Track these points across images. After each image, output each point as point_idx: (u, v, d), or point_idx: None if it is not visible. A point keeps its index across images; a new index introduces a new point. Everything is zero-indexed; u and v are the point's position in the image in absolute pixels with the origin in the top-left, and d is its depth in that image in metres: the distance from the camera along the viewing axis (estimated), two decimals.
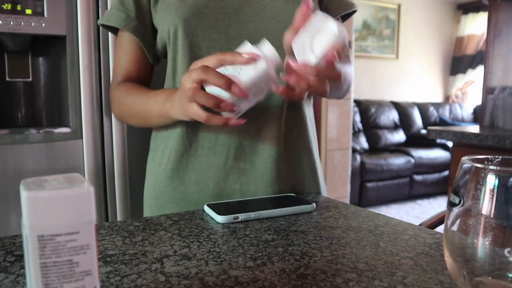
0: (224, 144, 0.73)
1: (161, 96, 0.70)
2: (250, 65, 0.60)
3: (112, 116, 1.19)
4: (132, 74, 0.79)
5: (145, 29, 0.77)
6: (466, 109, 5.41)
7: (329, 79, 0.59)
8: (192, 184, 0.74)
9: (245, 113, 0.73)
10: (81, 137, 1.15)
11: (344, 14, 0.84)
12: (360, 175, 3.91)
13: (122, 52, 0.79)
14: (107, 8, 1.11)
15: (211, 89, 0.60)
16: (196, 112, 0.61)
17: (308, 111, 0.83)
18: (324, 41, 0.57)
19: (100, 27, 1.15)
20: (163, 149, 0.77)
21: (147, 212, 0.80)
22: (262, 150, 0.75)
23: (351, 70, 0.82)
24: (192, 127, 0.74)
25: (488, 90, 2.33)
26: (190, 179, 0.74)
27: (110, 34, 1.15)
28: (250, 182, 0.74)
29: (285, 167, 0.77)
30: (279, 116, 0.76)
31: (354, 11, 0.84)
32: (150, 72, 0.82)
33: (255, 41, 0.73)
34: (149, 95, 0.73)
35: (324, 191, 0.84)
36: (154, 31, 0.78)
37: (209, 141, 0.74)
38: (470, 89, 5.70)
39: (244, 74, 0.60)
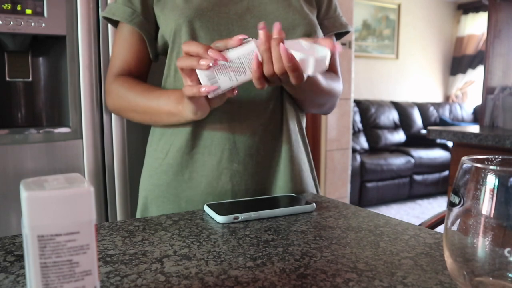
0: (219, 144, 0.75)
1: (174, 96, 0.71)
2: (241, 46, 0.60)
3: (112, 116, 1.19)
4: (132, 68, 0.80)
5: (149, 25, 0.78)
6: (466, 109, 5.41)
7: (296, 82, 0.61)
8: (185, 181, 0.76)
9: (242, 115, 0.74)
10: (81, 137, 1.15)
11: (338, 33, 0.89)
12: (360, 175, 3.91)
13: (122, 45, 0.79)
14: None
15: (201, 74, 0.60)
16: (186, 87, 0.62)
17: (301, 119, 0.85)
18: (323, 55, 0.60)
19: (100, 21, 1.15)
20: (162, 144, 0.78)
21: (140, 205, 0.82)
22: (256, 153, 0.76)
23: (339, 86, 0.86)
24: (196, 126, 0.75)
25: (488, 90, 2.33)
26: (183, 176, 0.76)
27: (110, 33, 1.15)
28: (242, 183, 0.75)
29: (273, 168, 0.79)
30: (275, 120, 0.78)
31: (347, 32, 0.89)
32: (148, 68, 0.84)
33: None
34: (159, 93, 0.74)
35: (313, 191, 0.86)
36: (157, 27, 0.78)
37: (204, 141, 0.75)
38: (470, 89, 5.70)
39: (232, 50, 0.60)
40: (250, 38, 0.61)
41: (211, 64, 0.58)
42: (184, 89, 0.62)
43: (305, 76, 0.62)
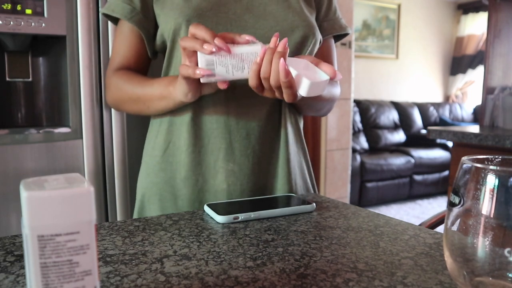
0: (215, 144, 0.75)
1: (166, 80, 0.72)
2: (247, 45, 0.62)
3: (112, 115, 1.19)
4: (132, 64, 0.81)
5: (148, 23, 0.78)
6: (466, 109, 5.41)
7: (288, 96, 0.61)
8: (182, 179, 0.76)
9: (239, 116, 0.74)
10: (81, 137, 1.15)
11: (337, 35, 0.88)
12: (360, 175, 3.91)
13: (122, 41, 0.80)
14: None
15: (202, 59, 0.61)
16: (182, 66, 0.62)
17: (299, 120, 0.85)
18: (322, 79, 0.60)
19: (100, 21, 1.15)
20: (160, 142, 0.78)
21: (137, 203, 0.82)
22: (252, 154, 0.76)
23: (337, 91, 0.87)
24: (193, 125, 0.75)
25: (488, 90, 2.33)
26: (180, 174, 0.76)
27: (110, 33, 1.16)
28: (237, 183, 0.75)
29: (270, 169, 0.79)
30: (272, 121, 0.78)
31: (347, 34, 0.88)
32: (148, 65, 0.84)
33: None
34: (153, 80, 0.75)
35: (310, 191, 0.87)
36: (156, 25, 0.79)
37: (201, 139, 0.75)
38: (470, 89, 5.70)
39: (237, 46, 0.61)
40: (258, 42, 0.62)
41: (214, 50, 0.59)
42: (180, 67, 0.63)
43: (299, 95, 0.62)
